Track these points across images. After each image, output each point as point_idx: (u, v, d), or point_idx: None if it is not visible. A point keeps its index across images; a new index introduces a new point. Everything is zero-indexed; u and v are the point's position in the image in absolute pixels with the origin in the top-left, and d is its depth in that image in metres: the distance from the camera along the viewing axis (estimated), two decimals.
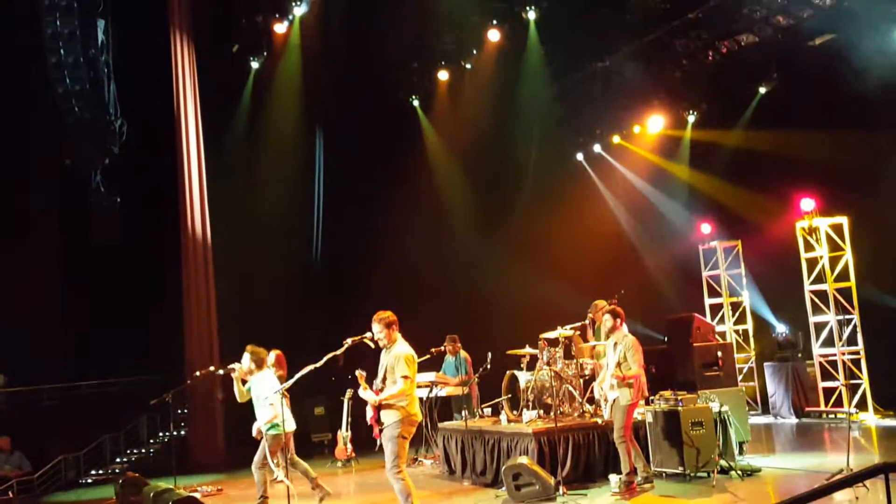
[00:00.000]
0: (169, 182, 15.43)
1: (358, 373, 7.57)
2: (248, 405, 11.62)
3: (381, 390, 7.35)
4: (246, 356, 9.23)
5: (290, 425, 9.08)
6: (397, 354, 7.30)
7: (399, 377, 7.21)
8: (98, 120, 14.15)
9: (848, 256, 13.72)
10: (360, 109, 17.33)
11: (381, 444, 7.40)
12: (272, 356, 11.46)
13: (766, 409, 15.09)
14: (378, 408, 7.32)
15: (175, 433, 14.86)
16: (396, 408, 7.25)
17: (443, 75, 17.48)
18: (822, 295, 14.00)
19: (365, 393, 7.42)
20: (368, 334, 7.57)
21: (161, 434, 16.07)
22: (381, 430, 7.36)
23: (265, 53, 16.40)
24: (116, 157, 15.02)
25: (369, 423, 7.51)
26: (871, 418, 13.17)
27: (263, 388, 8.90)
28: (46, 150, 16.50)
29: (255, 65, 16.53)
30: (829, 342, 13.94)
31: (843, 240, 13.79)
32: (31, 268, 17.52)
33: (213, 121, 15.98)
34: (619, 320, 8.96)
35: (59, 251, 17.89)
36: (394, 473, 7.22)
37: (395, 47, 16.43)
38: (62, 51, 13.17)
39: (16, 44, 14.19)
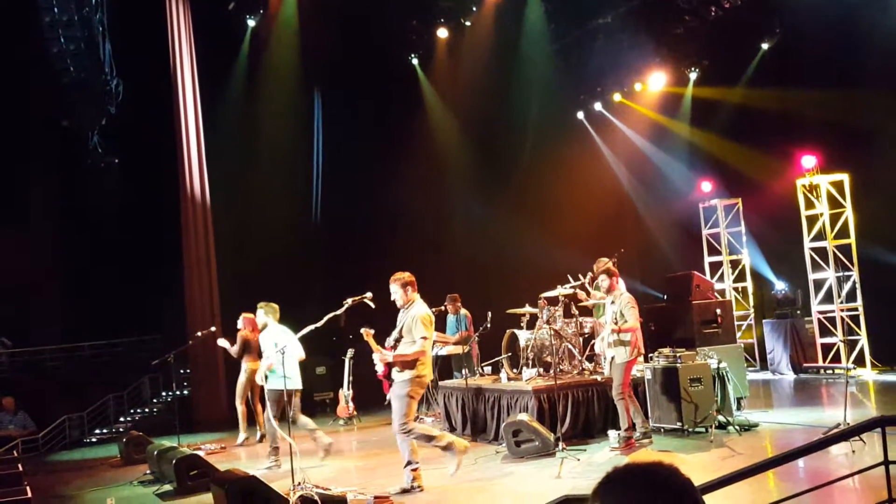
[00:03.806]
0: (167, 142, 15.35)
1: (364, 330, 7.59)
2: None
3: (394, 347, 7.43)
4: (260, 311, 9.61)
5: (293, 384, 9.21)
6: (414, 315, 7.41)
7: (418, 338, 7.32)
8: (94, 80, 14.00)
9: (848, 213, 13.70)
10: (358, 68, 17.17)
11: (389, 401, 7.53)
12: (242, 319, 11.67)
13: (764, 366, 15.19)
14: (388, 364, 7.41)
15: (178, 392, 14.96)
16: (408, 367, 7.31)
17: (442, 33, 17.28)
18: (821, 252, 14.01)
19: (377, 353, 7.48)
20: (369, 294, 7.63)
21: (164, 394, 16.19)
22: (391, 386, 7.47)
23: (261, 11, 16.21)
24: (113, 118, 14.91)
25: (379, 378, 7.61)
26: (868, 373, 13.27)
27: (266, 341, 9.39)
28: (43, 111, 16.40)
29: (251, 23, 16.33)
30: (827, 299, 13.99)
31: (843, 197, 13.75)
32: (31, 230, 17.52)
33: (210, 80, 15.84)
34: (614, 279, 9.03)
35: (59, 212, 17.87)
36: (400, 431, 7.36)
37: (393, 5, 16.22)
38: (56, 10, 12.98)
39: (9, 3, 14.01)
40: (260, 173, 17.06)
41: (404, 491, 7.47)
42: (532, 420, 8.92)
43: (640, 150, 18.28)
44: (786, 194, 14.65)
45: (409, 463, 7.48)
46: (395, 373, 7.45)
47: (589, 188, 17.80)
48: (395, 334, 7.59)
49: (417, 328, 7.34)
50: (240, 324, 11.70)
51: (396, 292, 7.54)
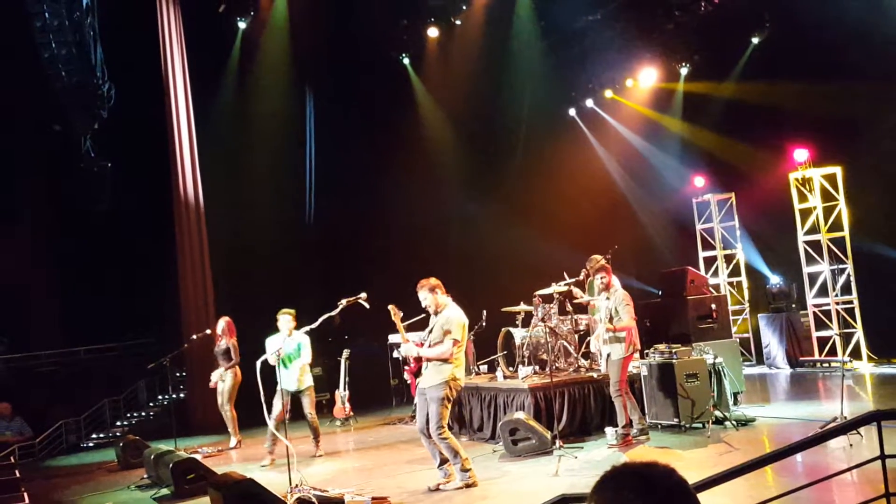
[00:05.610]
0: (159, 146, 15.33)
1: (392, 308, 7.72)
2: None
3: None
4: (288, 317, 9.84)
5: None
6: (449, 317, 7.42)
7: (449, 339, 7.32)
8: (85, 84, 13.95)
9: (841, 206, 13.73)
10: (349, 68, 17.16)
11: (411, 401, 7.56)
12: (222, 323, 11.61)
13: (760, 360, 15.22)
14: (418, 360, 7.45)
15: (174, 396, 14.93)
16: (443, 370, 7.33)
17: (432, 32, 17.27)
18: (815, 245, 14.04)
19: (406, 346, 7.57)
20: (363, 294, 7.61)
21: (160, 397, 16.15)
22: (417, 382, 7.54)
23: (252, 13, 16.20)
24: (106, 122, 14.87)
25: (409, 372, 7.66)
26: (864, 366, 13.29)
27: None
28: (35, 115, 16.33)
29: (242, 25, 16.31)
30: (822, 292, 14.01)
31: (836, 190, 13.78)
32: (24, 234, 17.44)
33: (202, 83, 15.80)
34: (608, 276, 9.02)
35: (53, 217, 17.79)
36: (438, 435, 7.36)
37: (383, 5, 16.21)
38: (46, 14, 12.93)
39: None
40: (253, 174, 17.04)
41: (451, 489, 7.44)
42: (529, 418, 8.92)
43: (633, 147, 18.30)
44: (779, 188, 14.67)
45: (443, 462, 7.47)
46: (427, 376, 7.42)
47: (582, 185, 17.81)
48: (425, 336, 7.60)
49: (450, 330, 7.33)
50: (221, 328, 11.61)
51: (426, 297, 7.52)
